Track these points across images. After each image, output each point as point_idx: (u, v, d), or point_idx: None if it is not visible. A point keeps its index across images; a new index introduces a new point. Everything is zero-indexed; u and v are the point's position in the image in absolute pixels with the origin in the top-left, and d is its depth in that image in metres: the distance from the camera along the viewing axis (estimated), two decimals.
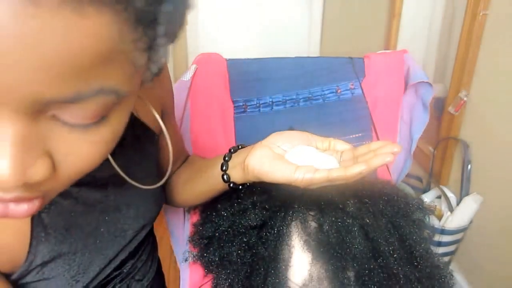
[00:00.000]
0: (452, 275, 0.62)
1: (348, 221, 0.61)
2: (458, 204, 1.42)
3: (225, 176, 0.56)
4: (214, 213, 0.67)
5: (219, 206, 0.67)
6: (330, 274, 0.58)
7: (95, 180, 0.47)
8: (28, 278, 0.43)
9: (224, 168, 0.56)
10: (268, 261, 0.60)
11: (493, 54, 1.30)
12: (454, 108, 1.43)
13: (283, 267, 0.59)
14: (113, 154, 0.48)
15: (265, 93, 0.90)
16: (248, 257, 0.61)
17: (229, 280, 0.62)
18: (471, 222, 1.40)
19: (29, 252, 0.42)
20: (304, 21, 2.40)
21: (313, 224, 0.62)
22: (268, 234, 0.62)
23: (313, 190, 0.53)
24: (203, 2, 2.29)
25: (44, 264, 0.43)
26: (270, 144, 0.54)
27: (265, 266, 0.60)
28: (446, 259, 1.48)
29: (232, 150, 0.58)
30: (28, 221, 0.41)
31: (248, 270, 0.61)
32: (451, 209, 1.41)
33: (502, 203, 1.31)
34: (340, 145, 0.55)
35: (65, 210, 0.44)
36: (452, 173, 1.56)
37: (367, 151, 0.50)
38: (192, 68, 0.87)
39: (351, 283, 0.58)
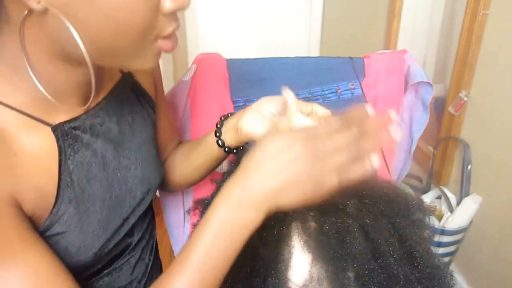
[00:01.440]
0: (452, 275, 0.62)
1: (348, 221, 0.61)
2: (458, 204, 1.41)
3: (219, 141, 0.60)
4: None
5: None
6: (330, 274, 0.58)
7: (110, 134, 0.52)
8: (57, 228, 0.45)
9: (218, 134, 0.61)
10: (268, 261, 0.60)
11: (493, 54, 1.30)
12: (454, 108, 1.43)
13: (283, 267, 0.59)
14: (121, 111, 0.55)
15: (265, 93, 0.90)
16: (248, 257, 0.61)
17: (229, 281, 0.61)
18: (471, 222, 1.40)
19: (57, 194, 0.45)
20: (304, 21, 2.40)
21: (313, 225, 0.62)
22: (268, 234, 0.62)
23: None
24: (203, 2, 2.29)
25: (69, 211, 0.46)
26: (260, 108, 0.58)
27: (265, 266, 0.60)
28: (446, 259, 1.48)
29: (223, 118, 0.62)
30: (56, 165, 0.45)
31: (248, 271, 0.60)
32: (451, 210, 1.41)
33: (502, 203, 1.31)
34: (321, 110, 0.59)
35: (86, 160, 0.48)
36: (452, 173, 1.56)
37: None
38: (192, 68, 0.87)
39: (351, 283, 0.58)
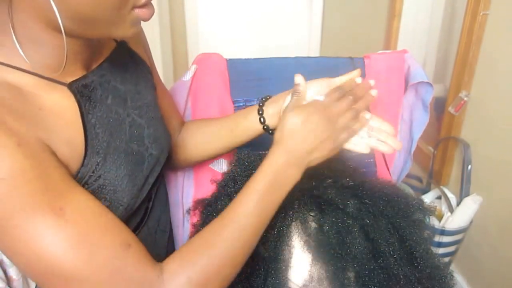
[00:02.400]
0: (452, 275, 0.62)
1: (348, 221, 0.61)
2: (458, 204, 1.41)
3: (265, 127, 0.68)
4: (214, 213, 0.67)
5: (219, 206, 0.67)
6: (330, 274, 0.58)
7: (118, 92, 0.56)
8: (89, 180, 0.48)
9: (262, 120, 0.68)
10: (268, 261, 0.60)
11: (493, 54, 1.30)
12: (454, 108, 1.43)
13: (283, 267, 0.59)
14: (123, 73, 0.59)
15: (265, 93, 0.90)
16: (249, 257, 0.61)
17: None
18: (471, 222, 1.40)
19: (86, 145, 0.48)
20: (304, 21, 2.40)
21: (313, 225, 0.62)
22: (269, 235, 0.62)
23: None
24: (203, 2, 2.29)
25: (99, 163, 0.49)
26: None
27: (265, 266, 0.60)
28: (446, 259, 1.48)
29: (263, 100, 0.71)
30: (79, 119, 0.49)
31: (248, 271, 0.60)
32: (451, 210, 1.41)
33: (502, 203, 1.31)
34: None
35: (104, 115, 0.52)
36: (452, 173, 1.56)
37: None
38: (192, 68, 0.87)
39: (352, 283, 0.58)
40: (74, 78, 0.50)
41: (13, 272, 1.14)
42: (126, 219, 0.55)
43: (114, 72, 0.57)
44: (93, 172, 0.49)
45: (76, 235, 0.42)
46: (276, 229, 0.62)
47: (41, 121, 0.44)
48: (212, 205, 0.70)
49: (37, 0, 0.41)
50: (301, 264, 0.60)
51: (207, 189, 0.76)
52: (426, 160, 1.67)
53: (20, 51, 0.44)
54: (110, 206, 0.51)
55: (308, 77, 0.93)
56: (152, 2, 0.48)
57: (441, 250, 1.42)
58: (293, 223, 0.62)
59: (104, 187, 0.50)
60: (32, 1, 0.42)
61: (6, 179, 0.39)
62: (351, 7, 2.26)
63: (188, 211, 0.77)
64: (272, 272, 0.59)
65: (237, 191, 0.66)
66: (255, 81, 0.90)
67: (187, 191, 0.85)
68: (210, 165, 0.85)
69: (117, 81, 0.57)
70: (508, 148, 1.27)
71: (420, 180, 1.71)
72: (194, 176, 0.86)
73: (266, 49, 2.38)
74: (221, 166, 0.85)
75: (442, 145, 1.56)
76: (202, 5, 2.29)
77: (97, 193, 0.49)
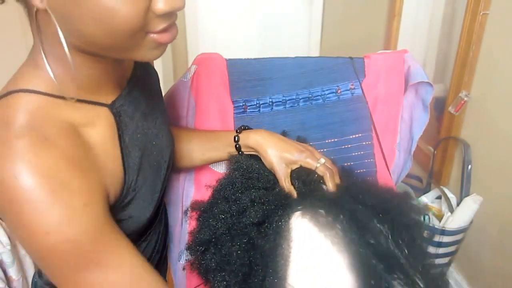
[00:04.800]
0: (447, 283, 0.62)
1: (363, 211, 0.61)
2: (458, 204, 1.41)
3: (240, 153, 0.72)
4: (211, 218, 0.67)
5: (216, 210, 0.67)
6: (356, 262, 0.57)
7: (141, 107, 0.58)
8: (128, 197, 0.52)
9: (238, 147, 0.72)
10: (267, 255, 0.60)
11: (493, 54, 1.30)
12: (454, 108, 1.43)
13: (282, 261, 0.59)
14: (143, 85, 0.61)
15: (265, 93, 0.90)
16: (247, 258, 0.61)
17: (225, 282, 0.61)
18: (471, 222, 1.40)
19: (123, 164, 0.51)
20: (304, 21, 2.39)
21: (322, 219, 0.62)
22: (267, 229, 0.62)
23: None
24: (203, 2, 2.29)
25: (134, 178, 0.53)
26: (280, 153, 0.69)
27: (263, 264, 0.60)
28: (446, 259, 1.48)
29: (238, 133, 0.73)
30: (117, 141, 0.51)
31: (246, 271, 0.60)
32: (451, 210, 1.41)
33: (502, 203, 1.31)
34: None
35: (133, 132, 0.55)
36: (452, 173, 1.56)
37: None
38: (192, 68, 0.87)
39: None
40: (112, 98, 0.52)
41: (13, 272, 1.14)
42: (144, 224, 0.58)
43: (137, 87, 0.59)
44: (131, 187, 0.52)
45: (121, 285, 0.45)
46: (274, 223, 0.62)
47: (94, 162, 0.46)
48: (208, 211, 0.70)
49: (63, 27, 0.42)
50: (300, 259, 0.60)
51: (207, 190, 0.76)
52: (426, 160, 1.67)
53: (51, 74, 0.45)
54: (138, 218, 0.54)
55: (308, 77, 0.93)
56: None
57: (441, 250, 1.42)
58: (297, 220, 0.62)
59: (136, 199, 0.53)
60: (54, 30, 0.42)
61: (72, 241, 0.41)
62: (351, 7, 2.26)
63: (186, 212, 0.77)
64: (271, 271, 0.59)
65: (235, 194, 0.66)
66: (255, 81, 0.90)
67: (187, 191, 0.85)
68: (210, 166, 0.85)
69: (140, 96, 0.59)
70: (508, 148, 1.26)
71: (420, 180, 1.70)
72: (195, 177, 0.86)
73: (266, 49, 2.38)
74: (222, 167, 0.85)
75: (442, 145, 1.56)
76: (202, 5, 2.29)
77: (130, 207, 0.52)
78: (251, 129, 0.76)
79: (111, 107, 0.51)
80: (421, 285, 0.56)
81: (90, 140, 0.47)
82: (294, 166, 0.69)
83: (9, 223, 0.42)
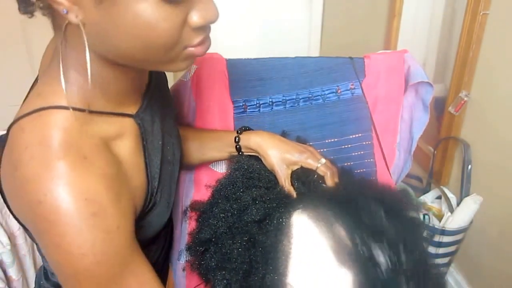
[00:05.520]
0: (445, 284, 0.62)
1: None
2: (458, 204, 1.41)
3: (240, 153, 0.73)
4: (211, 218, 0.67)
5: (216, 210, 0.67)
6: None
7: (158, 115, 0.59)
8: (150, 204, 0.53)
9: (238, 148, 0.73)
10: (268, 252, 0.60)
11: (493, 54, 1.30)
12: (454, 108, 1.43)
13: (283, 257, 0.59)
14: (159, 92, 0.62)
15: (265, 93, 0.90)
16: (247, 256, 0.61)
17: (225, 281, 0.61)
18: (471, 222, 1.40)
19: (147, 174, 0.52)
20: (304, 21, 2.39)
21: (322, 216, 0.62)
22: (269, 225, 0.62)
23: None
24: None
25: (156, 187, 0.54)
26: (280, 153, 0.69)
27: (264, 262, 0.60)
28: (446, 259, 1.48)
29: (239, 133, 0.73)
30: (142, 151, 0.52)
31: (247, 268, 0.60)
32: (451, 210, 1.41)
33: (502, 203, 1.31)
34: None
35: (153, 141, 0.56)
36: (452, 173, 1.56)
37: None
38: (192, 68, 0.87)
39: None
40: (135, 108, 0.53)
41: (13, 272, 1.13)
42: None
43: (155, 94, 0.59)
44: (153, 197, 0.53)
45: None
46: (275, 220, 0.62)
47: (125, 177, 0.47)
48: (208, 211, 0.70)
49: (93, 41, 0.42)
50: (300, 256, 0.60)
51: (207, 190, 0.76)
52: (426, 160, 1.67)
53: (63, 84, 0.45)
54: (157, 222, 0.55)
55: (308, 77, 0.93)
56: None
57: (441, 250, 1.42)
58: (295, 214, 0.63)
59: (157, 206, 0.54)
60: (88, 41, 0.42)
61: (105, 264, 0.42)
62: (351, 7, 2.26)
63: (186, 212, 0.77)
64: (271, 268, 0.59)
65: (235, 193, 0.67)
66: (254, 81, 0.90)
67: (187, 191, 0.85)
68: (210, 166, 0.86)
69: (158, 103, 0.60)
70: (508, 148, 1.26)
71: (420, 180, 1.70)
72: (195, 177, 0.87)
73: (266, 49, 2.38)
74: (222, 167, 0.85)
75: (442, 145, 1.56)
76: None
77: (152, 213, 0.53)
78: (252, 130, 0.76)
79: (136, 117, 0.52)
80: (403, 260, 0.56)
81: (120, 154, 0.48)
82: (295, 167, 0.69)
83: (45, 242, 0.42)
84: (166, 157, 0.59)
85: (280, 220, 0.62)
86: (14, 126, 0.44)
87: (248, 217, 0.63)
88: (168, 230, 0.70)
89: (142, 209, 0.52)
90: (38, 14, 0.43)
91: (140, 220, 0.52)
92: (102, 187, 0.42)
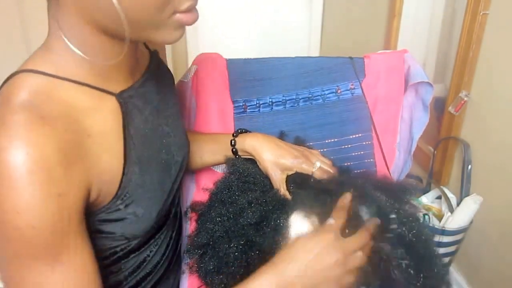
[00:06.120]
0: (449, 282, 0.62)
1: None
2: (458, 204, 1.41)
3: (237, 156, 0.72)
4: (208, 221, 0.67)
5: (213, 213, 0.67)
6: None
7: (153, 103, 0.58)
8: (128, 192, 0.51)
9: (235, 151, 0.72)
10: (265, 255, 0.60)
11: (493, 54, 1.30)
12: (454, 108, 1.43)
13: None
14: (158, 82, 0.61)
15: (265, 93, 0.90)
16: (244, 260, 0.61)
17: (223, 285, 0.61)
18: (471, 222, 1.40)
19: (125, 156, 0.50)
20: (304, 21, 2.39)
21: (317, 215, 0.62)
22: (266, 227, 0.62)
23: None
24: (203, 2, 2.29)
25: (136, 172, 0.52)
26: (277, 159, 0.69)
27: (261, 265, 0.60)
28: (446, 259, 1.48)
29: (235, 137, 0.73)
30: (121, 131, 0.51)
31: (244, 272, 0.60)
32: (451, 210, 1.41)
33: (502, 203, 1.31)
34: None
35: (141, 126, 0.54)
36: (452, 173, 1.56)
37: None
38: (192, 68, 0.87)
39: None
40: (120, 88, 0.52)
41: None
42: (155, 223, 0.57)
43: (151, 83, 0.59)
44: (131, 181, 0.51)
45: None
46: (273, 221, 0.62)
47: (87, 151, 0.45)
48: (205, 214, 0.70)
49: (85, 3, 0.43)
50: None
51: (204, 192, 0.76)
52: (426, 160, 1.67)
53: (73, 48, 0.45)
54: (143, 216, 0.53)
55: (308, 77, 0.93)
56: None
57: (441, 250, 1.42)
58: (292, 215, 0.63)
59: (140, 196, 0.52)
60: (80, 4, 0.43)
61: (37, 228, 0.40)
62: (351, 7, 2.26)
63: (186, 213, 0.77)
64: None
65: (231, 197, 0.67)
66: (254, 81, 0.90)
67: (187, 191, 0.85)
68: (211, 166, 0.86)
69: (153, 92, 0.59)
70: (508, 148, 1.26)
71: (420, 180, 1.70)
72: (196, 177, 0.87)
73: (266, 49, 2.38)
74: (222, 167, 0.85)
75: (442, 145, 1.56)
76: (202, 5, 2.29)
77: (133, 204, 0.51)
78: (249, 132, 0.75)
79: (118, 96, 0.51)
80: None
81: (92, 127, 0.47)
82: (290, 172, 0.69)
83: None
84: (157, 148, 0.58)
85: (278, 221, 0.62)
86: None
87: (244, 220, 0.63)
88: (172, 235, 0.68)
89: (120, 194, 0.50)
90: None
91: (122, 208, 0.50)
92: (52, 149, 0.41)
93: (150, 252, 0.61)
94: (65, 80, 0.46)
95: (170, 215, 0.66)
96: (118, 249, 0.54)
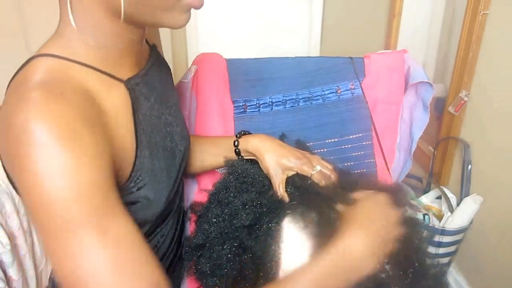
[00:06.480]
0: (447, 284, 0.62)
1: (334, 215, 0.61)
2: (458, 204, 1.41)
3: (240, 158, 0.73)
4: (205, 222, 0.67)
5: (209, 214, 0.67)
6: None
7: (157, 91, 0.59)
8: (140, 176, 0.52)
9: (237, 151, 0.73)
10: (258, 258, 0.60)
11: (493, 54, 1.30)
12: (454, 108, 1.43)
13: (273, 263, 0.59)
14: (160, 73, 0.63)
15: (265, 93, 0.90)
16: (237, 263, 0.61)
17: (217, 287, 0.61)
18: (471, 222, 1.40)
19: (136, 140, 0.52)
20: (304, 21, 2.39)
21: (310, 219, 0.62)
22: (258, 231, 0.62)
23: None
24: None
25: (146, 156, 0.53)
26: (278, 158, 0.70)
27: (254, 268, 0.60)
28: (446, 259, 1.48)
29: (238, 137, 0.73)
30: (131, 117, 0.52)
31: (237, 275, 0.60)
32: (451, 210, 1.41)
33: (502, 203, 1.31)
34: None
35: (148, 113, 0.56)
36: (452, 173, 1.56)
37: None
38: (192, 69, 0.87)
39: None
40: (127, 75, 0.53)
41: (12, 272, 1.13)
42: (162, 211, 0.58)
43: (154, 72, 0.61)
44: (143, 165, 0.52)
45: (114, 259, 0.41)
46: (265, 225, 0.62)
47: (105, 126, 0.46)
48: (203, 215, 0.70)
49: None
50: (291, 260, 0.60)
51: (202, 193, 0.76)
52: (426, 160, 1.67)
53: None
54: (154, 201, 0.54)
55: (308, 77, 0.94)
56: None
57: (441, 250, 1.42)
58: (285, 219, 0.62)
59: (150, 180, 0.53)
60: None
61: (76, 190, 0.39)
62: (351, 7, 2.26)
63: (186, 212, 0.77)
64: (261, 274, 0.59)
65: (227, 198, 0.67)
66: (254, 81, 0.90)
67: (189, 189, 0.85)
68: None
69: (156, 81, 0.61)
70: (508, 148, 1.26)
71: (420, 180, 1.70)
72: (197, 177, 0.87)
73: (266, 49, 2.38)
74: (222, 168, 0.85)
75: (442, 145, 1.56)
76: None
77: (145, 187, 0.52)
78: (251, 133, 0.76)
79: (126, 83, 0.52)
80: None
81: (106, 106, 0.48)
82: (290, 173, 0.69)
83: (16, 169, 0.40)
84: (163, 135, 0.59)
85: (270, 224, 0.62)
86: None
87: (238, 222, 0.63)
88: (177, 227, 0.68)
89: (133, 177, 0.50)
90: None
91: (135, 192, 0.51)
92: (75, 115, 0.41)
93: (158, 242, 0.62)
94: (77, 63, 0.47)
95: (175, 205, 0.67)
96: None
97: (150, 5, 0.46)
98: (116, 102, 0.50)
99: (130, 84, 0.53)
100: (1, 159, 0.45)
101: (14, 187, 0.47)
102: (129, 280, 0.42)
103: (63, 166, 0.39)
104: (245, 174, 0.70)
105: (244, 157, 0.74)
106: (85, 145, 0.41)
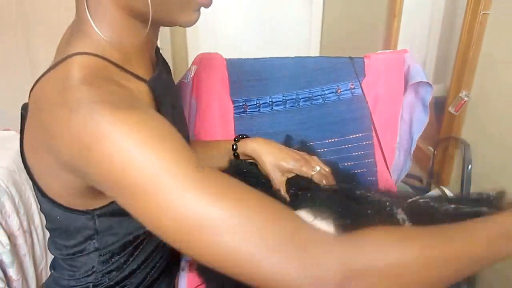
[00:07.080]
0: None
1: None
2: None
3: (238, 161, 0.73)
4: None
5: None
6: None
7: (169, 93, 0.60)
8: None
9: (236, 155, 0.73)
10: None
11: (493, 54, 1.30)
12: (454, 108, 1.43)
13: None
14: (168, 75, 0.63)
15: (265, 93, 0.90)
16: None
17: (221, 283, 0.62)
18: None
19: None
20: (304, 21, 2.39)
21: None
22: None
23: None
24: None
25: None
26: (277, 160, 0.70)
27: None
28: None
29: (236, 141, 0.73)
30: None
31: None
32: None
33: None
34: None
35: (165, 112, 0.55)
36: (452, 173, 1.56)
37: None
38: (192, 68, 0.87)
39: None
40: (146, 75, 0.54)
41: (12, 272, 1.14)
42: None
43: (164, 74, 0.61)
44: None
45: (220, 187, 0.43)
46: None
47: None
48: None
49: None
50: None
51: None
52: (426, 160, 1.67)
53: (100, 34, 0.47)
54: None
55: (308, 77, 0.94)
56: None
57: None
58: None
59: None
60: None
61: (164, 138, 0.41)
62: (351, 7, 2.26)
63: None
64: None
65: None
66: (254, 81, 0.90)
67: None
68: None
69: (168, 82, 0.62)
70: (508, 148, 1.26)
71: (420, 180, 1.70)
72: None
73: (266, 49, 2.38)
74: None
75: (442, 145, 1.56)
76: None
77: None
78: (249, 137, 0.76)
79: (149, 82, 0.53)
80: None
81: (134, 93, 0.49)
82: (290, 175, 0.70)
83: (100, 148, 0.38)
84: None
85: None
86: (36, 86, 0.46)
87: None
88: None
89: None
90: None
91: None
92: (126, 99, 0.43)
93: (158, 242, 0.62)
94: (105, 60, 0.48)
95: None
96: (141, 232, 0.56)
97: (169, 3, 0.47)
98: (145, 99, 0.51)
99: (153, 84, 0.53)
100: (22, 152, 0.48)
101: (35, 183, 0.49)
102: (244, 198, 0.44)
103: (158, 131, 0.41)
104: (249, 174, 0.71)
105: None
106: (153, 117, 0.43)
